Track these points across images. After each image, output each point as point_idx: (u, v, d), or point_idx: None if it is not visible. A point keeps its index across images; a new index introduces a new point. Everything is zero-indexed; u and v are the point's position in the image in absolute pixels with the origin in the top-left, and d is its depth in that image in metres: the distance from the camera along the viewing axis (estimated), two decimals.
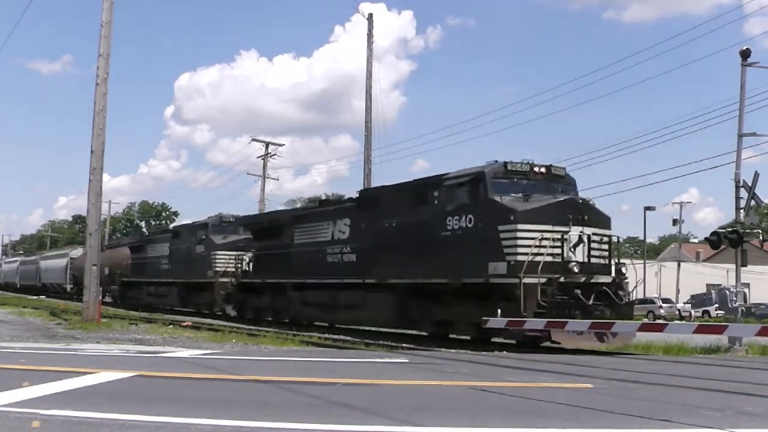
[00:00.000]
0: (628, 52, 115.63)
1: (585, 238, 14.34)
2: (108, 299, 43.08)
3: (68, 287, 47.69)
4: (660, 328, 11.47)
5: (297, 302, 21.34)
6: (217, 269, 26.83)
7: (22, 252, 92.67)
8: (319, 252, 20.26)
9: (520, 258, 14.01)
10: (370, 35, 29.95)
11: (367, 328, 19.31)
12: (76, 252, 48.48)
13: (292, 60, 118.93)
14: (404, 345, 14.48)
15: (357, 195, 20.83)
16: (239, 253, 25.55)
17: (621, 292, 14.61)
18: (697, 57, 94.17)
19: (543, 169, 15.69)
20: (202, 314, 27.24)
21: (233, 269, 25.67)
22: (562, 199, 15.19)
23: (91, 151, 18.29)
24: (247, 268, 24.72)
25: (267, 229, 23.82)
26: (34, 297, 45.59)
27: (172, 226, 33.66)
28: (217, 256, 27.22)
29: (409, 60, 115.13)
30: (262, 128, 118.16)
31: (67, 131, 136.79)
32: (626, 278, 15.19)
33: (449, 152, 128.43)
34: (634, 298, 15.95)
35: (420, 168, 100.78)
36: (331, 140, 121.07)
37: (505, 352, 12.52)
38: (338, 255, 19.60)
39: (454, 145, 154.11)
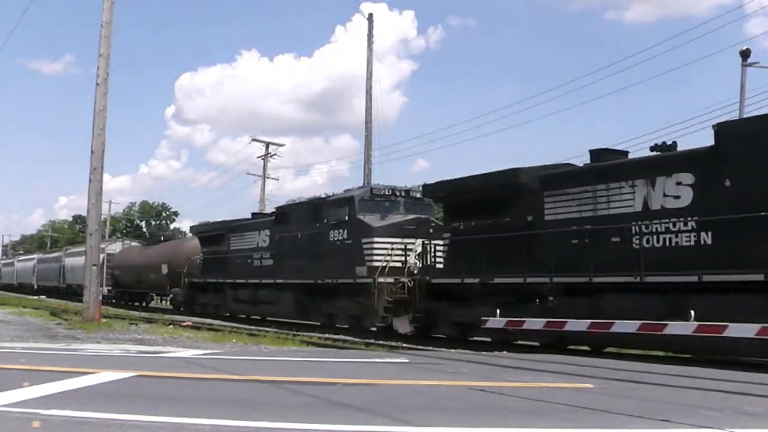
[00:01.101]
0: (629, 53, 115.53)
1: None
2: (165, 304, 38.08)
3: (104, 290, 38.25)
4: (660, 329, 11.45)
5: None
6: (375, 263, 18.44)
7: (22, 252, 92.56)
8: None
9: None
10: (370, 35, 29.97)
11: (368, 328, 19.32)
12: (115, 246, 41.76)
13: (293, 60, 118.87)
14: (404, 345, 14.49)
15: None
16: (408, 241, 18.38)
17: None
18: (698, 57, 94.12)
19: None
20: (339, 329, 19.83)
21: (402, 263, 18.24)
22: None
23: (91, 151, 18.29)
24: (436, 263, 17.67)
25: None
26: (35, 297, 45.28)
27: (275, 207, 25.43)
28: (375, 246, 18.81)
29: (410, 60, 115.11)
30: (262, 128, 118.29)
31: (67, 131, 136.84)
32: None
33: (450, 152, 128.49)
34: None
35: (421, 168, 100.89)
36: (332, 140, 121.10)
37: (505, 352, 12.52)
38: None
39: (454, 145, 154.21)
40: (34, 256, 62.95)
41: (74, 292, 44.79)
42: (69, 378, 6.35)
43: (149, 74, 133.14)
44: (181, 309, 29.87)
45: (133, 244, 43.48)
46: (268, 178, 44.17)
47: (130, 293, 38.15)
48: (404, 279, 17.65)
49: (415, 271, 17.64)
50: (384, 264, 17.99)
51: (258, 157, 44.93)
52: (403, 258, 18.09)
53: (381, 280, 17.76)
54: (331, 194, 21.52)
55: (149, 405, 5.13)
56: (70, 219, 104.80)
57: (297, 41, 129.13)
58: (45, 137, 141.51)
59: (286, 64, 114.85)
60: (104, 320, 18.45)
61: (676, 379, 8.01)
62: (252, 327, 19.59)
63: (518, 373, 8.57)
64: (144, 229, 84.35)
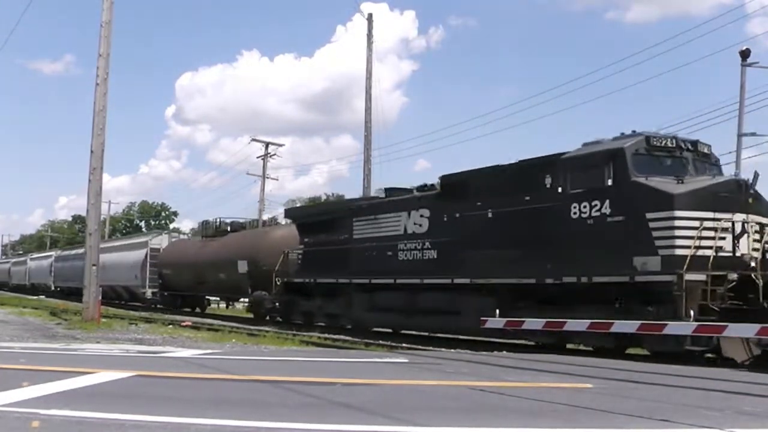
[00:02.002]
0: (630, 53, 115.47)
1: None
2: (231, 310, 35.14)
3: (147, 293, 33.65)
4: (660, 329, 11.45)
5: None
6: (678, 251, 11.96)
7: (21, 252, 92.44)
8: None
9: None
10: (369, 35, 29.95)
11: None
12: (160, 240, 34.87)
13: (294, 60, 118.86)
14: (404, 345, 14.49)
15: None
16: (723, 216, 12.15)
17: None
18: (699, 57, 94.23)
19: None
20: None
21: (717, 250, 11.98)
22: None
23: (91, 151, 18.29)
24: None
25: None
26: (34, 297, 45.15)
27: (439, 177, 16.40)
28: (678, 223, 12.09)
29: (411, 60, 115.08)
30: (263, 128, 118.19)
31: (67, 131, 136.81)
32: None
33: (450, 152, 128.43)
34: None
35: (422, 168, 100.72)
36: (332, 140, 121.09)
37: (504, 352, 12.52)
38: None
39: (455, 144, 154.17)
40: (51, 253, 54.57)
41: (117, 296, 37.44)
42: (69, 378, 6.34)
43: (150, 74, 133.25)
44: (269, 318, 23.44)
45: (182, 236, 38.21)
46: (267, 178, 44.21)
47: (184, 296, 32.06)
48: (731, 274, 11.73)
49: (752, 263, 11.82)
50: (692, 252, 11.69)
51: (258, 157, 44.95)
52: (716, 243, 11.80)
53: (692, 277, 11.54)
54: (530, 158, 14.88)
55: (149, 405, 5.13)
56: (70, 219, 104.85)
57: (298, 41, 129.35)
58: (45, 137, 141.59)
59: (287, 64, 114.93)
60: (104, 320, 18.45)
61: (676, 379, 8.01)
62: (252, 327, 19.59)
63: (518, 373, 8.57)
64: (144, 230, 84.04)
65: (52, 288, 50.81)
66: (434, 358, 10.57)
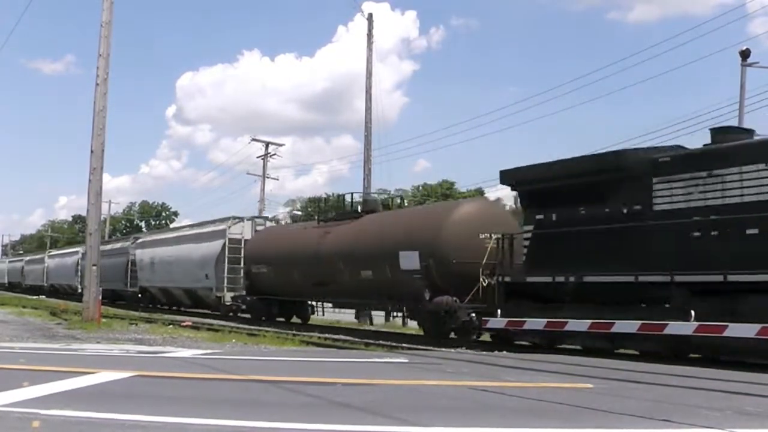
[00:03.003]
0: (632, 53, 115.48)
1: None
2: (373, 325, 23.70)
3: (225, 298, 25.41)
4: (660, 329, 11.45)
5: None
6: None
7: (21, 252, 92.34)
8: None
9: None
10: (370, 35, 29.98)
11: (366, 328, 19.28)
12: (240, 228, 26.20)
13: (295, 60, 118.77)
14: (404, 345, 14.48)
15: None
16: None
17: None
18: (700, 57, 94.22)
19: None
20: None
21: None
22: None
23: (91, 151, 18.30)
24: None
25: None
26: (34, 297, 45.01)
27: None
28: None
29: (412, 60, 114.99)
30: (264, 128, 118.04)
31: (68, 131, 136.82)
32: None
33: (451, 152, 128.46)
34: None
35: (422, 168, 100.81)
36: (333, 140, 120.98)
37: (504, 352, 12.52)
38: None
39: (455, 145, 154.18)
40: (77, 249, 45.45)
41: (173, 301, 30.49)
42: (69, 378, 6.34)
43: (150, 74, 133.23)
44: (477, 337, 15.62)
45: (270, 223, 28.44)
46: (268, 177, 44.15)
47: (283, 303, 22.97)
48: None
49: None
50: None
51: (258, 157, 44.82)
52: None
53: None
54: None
55: (149, 405, 5.12)
56: (70, 219, 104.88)
57: (298, 41, 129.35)
58: (46, 137, 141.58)
59: (288, 64, 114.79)
60: (104, 320, 18.44)
61: (676, 379, 8.00)
62: (252, 327, 19.58)
63: (518, 373, 8.57)
64: (144, 230, 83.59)
65: (79, 290, 40.04)
66: (434, 358, 10.57)
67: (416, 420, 4.78)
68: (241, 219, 26.58)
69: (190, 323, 19.90)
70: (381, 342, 15.29)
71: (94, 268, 18.07)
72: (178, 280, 29.47)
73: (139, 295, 33.87)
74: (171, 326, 18.89)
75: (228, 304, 25.42)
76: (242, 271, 24.74)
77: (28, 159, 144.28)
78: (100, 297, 18.93)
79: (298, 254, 21.16)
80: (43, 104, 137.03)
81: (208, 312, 27.81)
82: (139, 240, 36.74)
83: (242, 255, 24.94)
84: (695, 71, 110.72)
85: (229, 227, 26.08)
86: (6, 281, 67.37)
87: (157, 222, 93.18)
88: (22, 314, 24.31)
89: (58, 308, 27.59)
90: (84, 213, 20.33)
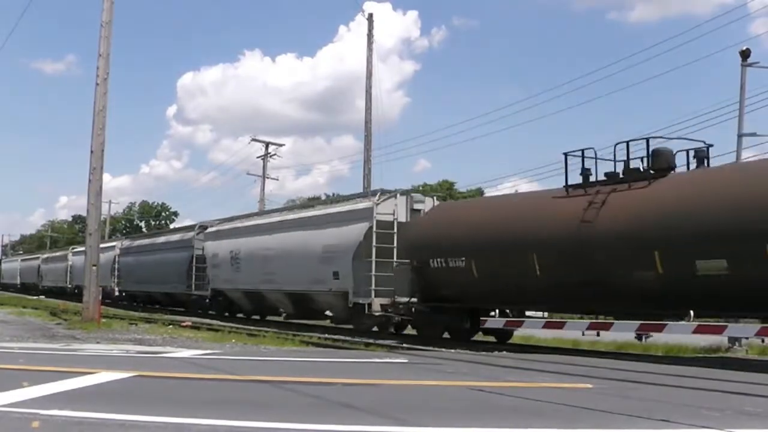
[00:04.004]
0: (631, 52, 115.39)
1: None
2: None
3: (373, 306, 17.72)
4: (660, 329, 11.46)
5: None
6: None
7: (21, 252, 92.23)
8: None
9: None
10: (370, 35, 29.98)
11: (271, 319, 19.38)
12: (392, 207, 18.47)
13: (296, 60, 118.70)
14: (404, 345, 14.48)
15: None
16: None
17: None
18: (700, 57, 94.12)
19: None
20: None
21: None
22: None
23: (91, 151, 18.30)
24: None
25: None
26: (34, 297, 44.72)
27: None
28: None
29: (413, 60, 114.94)
30: (264, 128, 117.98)
31: (68, 131, 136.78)
32: None
33: (451, 152, 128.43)
34: None
35: (422, 168, 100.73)
36: (334, 140, 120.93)
37: (504, 352, 12.52)
38: None
39: (455, 144, 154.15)
40: (114, 243, 39.01)
41: (270, 309, 23.74)
42: (68, 378, 6.34)
43: (151, 74, 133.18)
44: None
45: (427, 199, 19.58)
46: (268, 178, 44.08)
47: (475, 312, 15.99)
48: None
49: None
50: None
51: (258, 157, 44.76)
52: None
53: None
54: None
55: (149, 405, 5.13)
56: (70, 219, 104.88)
57: (300, 41, 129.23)
58: (46, 137, 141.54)
59: (289, 64, 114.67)
60: (104, 320, 18.44)
61: (676, 379, 8.01)
62: (252, 327, 19.58)
63: (518, 373, 8.57)
64: (144, 230, 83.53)
65: (116, 292, 35.86)
66: (434, 358, 10.58)
67: (416, 420, 4.78)
68: (393, 194, 18.56)
69: (189, 323, 19.91)
70: (381, 342, 15.29)
71: (94, 268, 18.06)
72: (281, 282, 21.75)
73: (207, 300, 26.76)
74: (171, 326, 18.90)
75: (377, 314, 17.44)
76: (394, 267, 17.57)
77: (29, 159, 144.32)
78: (100, 297, 18.92)
79: (533, 239, 13.85)
80: (44, 104, 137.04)
81: (343, 327, 19.91)
82: (211, 229, 27.58)
83: (394, 245, 17.52)
84: (695, 71, 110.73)
85: (377, 205, 18.03)
86: (18, 282, 61.39)
87: (157, 222, 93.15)
88: (22, 314, 24.30)
89: (58, 308, 27.58)
90: (84, 213, 20.33)
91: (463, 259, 15.20)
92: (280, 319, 23.32)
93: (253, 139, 46.14)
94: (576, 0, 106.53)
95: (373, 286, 17.44)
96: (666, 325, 11.41)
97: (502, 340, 16.65)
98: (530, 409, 5.55)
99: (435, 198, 19.17)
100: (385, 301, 17.36)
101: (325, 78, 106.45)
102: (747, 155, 18.62)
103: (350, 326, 19.32)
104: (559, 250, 13.28)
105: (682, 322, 11.21)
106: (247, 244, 24.00)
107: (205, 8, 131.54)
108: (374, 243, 17.66)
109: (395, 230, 17.90)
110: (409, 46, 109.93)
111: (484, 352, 12.61)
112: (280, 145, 46.87)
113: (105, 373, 6.87)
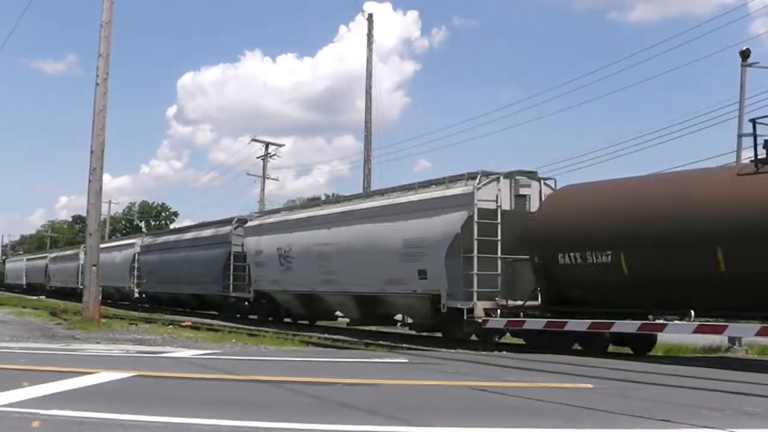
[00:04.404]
0: (631, 52, 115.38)
1: None
2: None
3: (477, 311, 14.36)
4: (660, 328, 11.45)
5: None
6: None
7: (21, 252, 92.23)
8: None
9: None
10: (370, 35, 29.97)
11: (367, 328, 19.25)
12: (494, 191, 15.13)
13: (296, 60, 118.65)
14: (404, 345, 14.47)
15: None
16: None
17: None
18: (700, 57, 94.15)
19: None
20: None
21: None
22: None
23: (91, 151, 18.30)
24: None
25: None
26: (34, 297, 44.67)
27: None
28: None
29: (413, 60, 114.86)
30: (265, 128, 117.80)
31: (69, 131, 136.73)
32: None
33: (452, 152, 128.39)
34: None
35: (422, 168, 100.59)
36: (334, 140, 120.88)
37: (504, 352, 12.52)
38: None
39: (456, 144, 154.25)
40: (132, 240, 35.61)
41: (322, 313, 21.06)
42: (69, 378, 6.34)
43: (151, 74, 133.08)
44: None
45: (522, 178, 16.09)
46: (268, 178, 44.09)
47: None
48: None
49: None
50: None
51: (258, 157, 44.75)
52: None
53: None
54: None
55: (149, 405, 5.13)
56: (70, 219, 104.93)
57: (300, 41, 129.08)
58: (47, 137, 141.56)
59: (289, 64, 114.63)
60: (104, 320, 18.44)
61: (676, 379, 8.01)
62: (252, 327, 19.58)
63: (518, 373, 8.57)
64: (144, 230, 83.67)
65: (136, 294, 32.98)
66: (434, 358, 10.58)
67: (416, 420, 4.78)
68: (495, 176, 15.44)
69: (189, 323, 19.91)
70: (381, 342, 15.28)
71: (94, 268, 18.07)
72: (345, 282, 18.64)
73: (247, 303, 23.61)
74: (171, 326, 18.90)
75: (480, 320, 14.54)
76: (505, 263, 14.76)
77: (29, 159, 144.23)
78: (100, 297, 18.92)
79: (715, 226, 11.21)
80: (44, 104, 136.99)
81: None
82: (252, 223, 23.99)
83: (498, 237, 14.67)
84: (695, 71, 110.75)
85: (478, 189, 15.02)
86: (24, 282, 58.27)
87: (157, 222, 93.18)
88: (22, 314, 24.30)
89: (58, 308, 27.57)
90: (84, 213, 20.33)
91: (609, 253, 12.43)
92: (340, 324, 21.08)
93: (253, 140, 46.14)
94: (576, 0, 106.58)
95: (475, 287, 14.44)
96: (666, 325, 11.39)
97: (640, 351, 13.84)
98: (531, 409, 5.55)
99: (542, 182, 15.74)
100: (489, 304, 14.54)
101: (325, 78, 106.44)
102: (747, 155, 18.60)
103: (437, 334, 16.75)
104: (752, 239, 10.65)
105: (682, 322, 11.20)
106: (300, 240, 20.45)
107: (205, 8, 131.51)
108: (476, 235, 14.60)
109: (499, 220, 14.84)
110: (409, 47, 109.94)
111: (484, 352, 12.60)
112: (280, 146, 46.88)
113: (105, 373, 6.87)
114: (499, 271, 14.62)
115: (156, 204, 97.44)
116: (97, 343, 12.69)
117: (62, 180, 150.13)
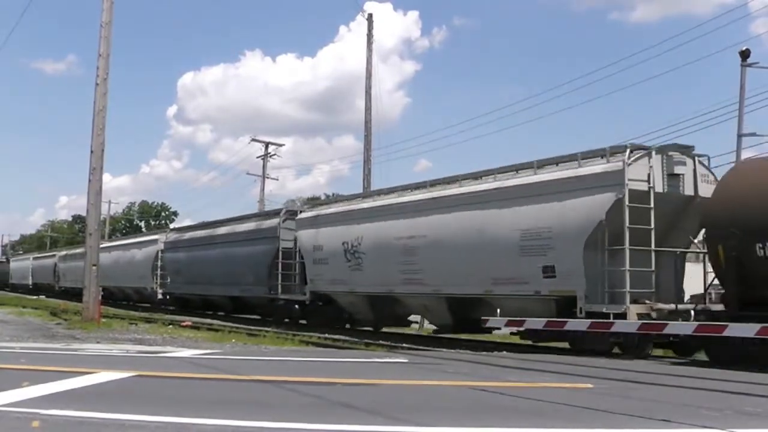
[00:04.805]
0: (631, 52, 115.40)
1: None
2: None
3: (631, 314, 11.79)
4: (660, 328, 11.44)
5: None
6: None
7: (21, 252, 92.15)
8: None
9: None
10: (369, 35, 29.96)
11: (367, 329, 19.26)
12: (645, 169, 12.49)
13: (296, 59, 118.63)
14: (404, 345, 14.47)
15: None
16: None
17: None
18: (701, 57, 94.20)
19: None
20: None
21: None
22: None
23: (91, 151, 18.29)
24: None
25: None
26: (34, 297, 44.64)
27: None
28: None
29: (414, 60, 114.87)
30: (265, 128, 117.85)
31: (69, 131, 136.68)
32: None
33: (452, 152, 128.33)
34: None
35: (423, 167, 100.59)
36: (335, 140, 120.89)
37: (504, 352, 12.52)
38: None
39: (456, 144, 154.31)
40: (155, 236, 32.69)
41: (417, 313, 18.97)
42: (69, 378, 6.34)
43: (151, 74, 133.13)
44: None
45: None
46: (267, 178, 44.12)
47: None
48: None
49: None
50: None
51: (258, 157, 44.73)
52: None
53: None
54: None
55: (149, 405, 5.13)
56: (70, 219, 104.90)
57: (300, 41, 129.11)
58: (46, 137, 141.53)
59: (289, 64, 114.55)
60: (104, 320, 18.45)
61: (676, 379, 8.01)
62: (252, 327, 19.58)
63: (518, 373, 8.57)
64: (144, 230, 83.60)
65: (159, 295, 30.11)
66: (434, 358, 10.58)
67: (416, 420, 4.78)
68: (647, 151, 12.79)
69: (190, 323, 19.90)
70: (381, 342, 15.29)
71: (94, 268, 18.06)
72: (434, 282, 15.61)
73: (297, 305, 20.95)
74: (171, 326, 18.90)
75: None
76: (654, 258, 12.47)
77: (29, 159, 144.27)
78: (100, 297, 18.92)
79: None
80: (45, 104, 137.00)
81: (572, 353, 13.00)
82: (306, 214, 21.15)
83: (652, 225, 12.30)
84: (695, 71, 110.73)
85: (628, 165, 12.40)
86: (30, 282, 55.82)
87: (157, 222, 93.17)
88: (22, 314, 24.31)
89: (58, 308, 27.55)
90: (84, 213, 20.31)
91: None
92: (423, 331, 18.54)
93: (253, 139, 46.15)
94: (577, 0, 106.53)
95: (627, 288, 12.04)
96: (666, 324, 11.38)
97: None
98: (531, 409, 5.55)
99: (697, 159, 13.07)
100: (642, 309, 12.05)
101: (325, 78, 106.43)
102: (747, 155, 18.60)
103: (561, 344, 13.66)
104: None
105: (682, 322, 11.20)
106: (375, 232, 17.40)
107: (206, 8, 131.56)
108: (627, 223, 12.13)
109: (652, 204, 12.38)
110: (409, 47, 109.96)
111: (484, 352, 12.60)
112: (280, 145, 46.92)
113: (105, 373, 6.87)
114: (653, 267, 12.34)
115: (156, 204, 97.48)
116: (97, 342, 12.69)
117: (62, 180, 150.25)
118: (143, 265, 31.34)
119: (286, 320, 21.24)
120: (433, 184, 16.91)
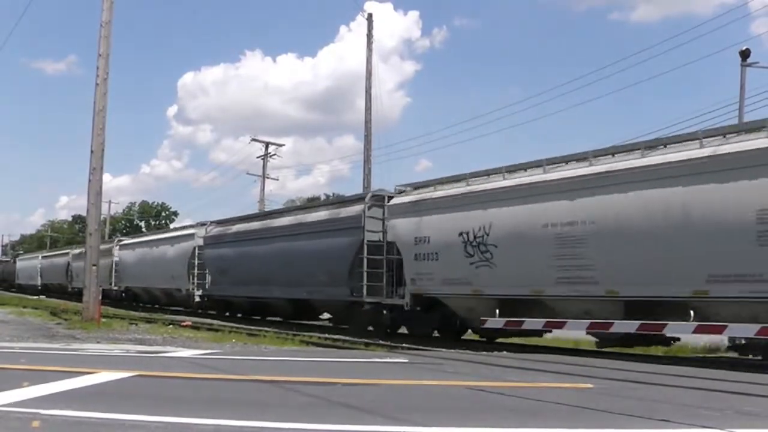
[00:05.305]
0: (632, 52, 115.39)
1: None
2: None
3: None
4: (660, 328, 11.44)
5: None
6: None
7: (21, 252, 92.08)
8: None
9: None
10: (369, 35, 29.97)
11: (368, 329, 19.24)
12: None
13: (296, 59, 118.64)
14: (404, 345, 14.47)
15: None
16: None
17: None
18: (701, 56, 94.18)
19: None
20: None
21: None
22: None
23: (91, 151, 18.29)
24: None
25: None
26: (35, 297, 44.62)
27: None
28: None
29: (414, 60, 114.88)
30: (265, 128, 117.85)
31: (69, 131, 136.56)
32: None
33: (452, 152, 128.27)
34: None
35: (423, 167, 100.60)
36: (335, 140, 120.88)
37: (504, 352, 12.52)
38: None
39: (456, 144, 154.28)
40: (191, 231, 28.42)
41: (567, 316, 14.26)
42: (69, 378, 6.34)
43: (152, 74, 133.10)
44: None
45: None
46: (267, 177, 44.12)
47: None
48: None
49: None
50: None
51: (258, 157, 44.70)
52: None
53: None
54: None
55: (149, 405, 5.13)
56: (70, 219, 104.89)
57: (300, 41, 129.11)
58: (47, 137, 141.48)
59: (289, 64, 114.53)
60: (104, 320, 18.44)
61: (676, 379, 8.00)
62: (252, 327, 19.58)
63: (518, 373, 8.57)
64: (144, 230, 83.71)
65: (196, 298, 26.33)
66: (434, 358, 10.57)
67: (416, 420, 4.78)
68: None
69: (190, 323, 19.90)
70: (381, 342, 15.28)
71: (94, 268, 18.06)
72: (608, 279, 12.17)
73: (388, 311, 17.50)
74: (171, 326, 18.90)
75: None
76: None
77: (30, 159, 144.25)
78: (100, 297, 18.92)
79: None
80: (45, 104, 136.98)
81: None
82: (400, 199, 17.26)
83: None
84: (695, 71, 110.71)
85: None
86: (39, 283, 52.55)
87: (157, 222, 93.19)
88: (22, 314, 24.30)
89: (58, 308, 27.54)
90: (84, 213, 20.31)
91: None
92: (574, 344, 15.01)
93: (254, 139, 46.12)
94: (577, 0, 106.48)
95: None
96: (666, 325, 11.38)
97: None
98: (531, 409, 5.55)
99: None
100: None
101: (325, 78, 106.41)
102: None
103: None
104: None
105: (682, 322, 11.20)
106: (511, 218, 13.93)
107: (206, 8, 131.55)
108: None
109: None
110: (410, 47, 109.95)
111: (484, 352, 12.60)
112: (280, 145, 46.87)
113: (105, 373, 6.87)
114: None
115: (156, 204, 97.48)
116: (98, 342, 12.69)
117: (62, 180, 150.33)
118: (177, 263, 27.43)
119: (370, 328, 17.83)
120: (597, 155, 13.13)
